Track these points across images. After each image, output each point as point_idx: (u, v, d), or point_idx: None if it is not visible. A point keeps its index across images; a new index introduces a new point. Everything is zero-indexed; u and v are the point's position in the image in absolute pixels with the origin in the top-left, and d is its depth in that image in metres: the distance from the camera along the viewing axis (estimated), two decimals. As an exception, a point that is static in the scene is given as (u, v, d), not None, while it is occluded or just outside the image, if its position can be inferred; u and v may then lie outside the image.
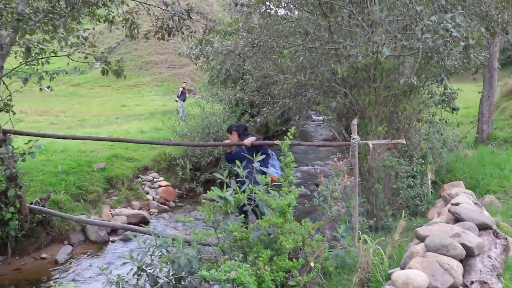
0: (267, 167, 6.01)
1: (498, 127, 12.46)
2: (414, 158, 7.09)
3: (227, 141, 6.56)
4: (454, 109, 9.97)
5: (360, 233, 4.96)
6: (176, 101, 20.21)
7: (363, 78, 6.57)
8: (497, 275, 3.58)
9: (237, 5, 8.46)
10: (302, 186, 5.91)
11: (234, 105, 14.21)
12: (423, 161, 7.33)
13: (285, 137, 4.38)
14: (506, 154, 9.41)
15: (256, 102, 12.24)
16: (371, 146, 5.51)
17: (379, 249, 4.68)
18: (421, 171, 7.17)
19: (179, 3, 9.05)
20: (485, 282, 3.33)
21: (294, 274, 4.27)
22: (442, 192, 5.88)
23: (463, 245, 3.70)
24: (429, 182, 7.32)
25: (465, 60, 5.92)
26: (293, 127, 4.86)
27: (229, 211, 4.48)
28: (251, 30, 9.46)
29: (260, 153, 4.92)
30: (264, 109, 9.98)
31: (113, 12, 9.05)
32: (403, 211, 5.55)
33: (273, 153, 6.39)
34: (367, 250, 4.44)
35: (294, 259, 4.36)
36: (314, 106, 9.05)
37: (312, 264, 4.33)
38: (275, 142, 4.68)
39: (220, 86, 14.97)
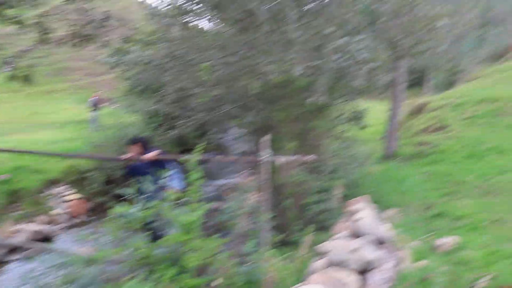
0: (171, 181, 5.88)
1: (404, 143, 13.23)
2: (323, 174, 7.35)
3: (128, 155, 6.18)
4: (363, 127, 10.49)
5: (268, 248, 5.03)
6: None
7: (277, 94, 6.72)
8: (390, 286, 3.79)
9: (157, 15, 8.38)
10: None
11: (151, 116, 13.96)
12: (333, 177, 7.62)
13: (193, 151, 4.37)
14: (409, 169, 10.03)
15: (173, 115, 12.09)
16: (281, 162, 5.62)
17: (285, 264, 4.78)
18: (330, 186, 7.43)
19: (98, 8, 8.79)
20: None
21: (205, 292, 4.24)
22: (347, 207, 6.14)
23: (361, 259, 3.87)
24: (338, 197, 7.60)
25: (370, 81, 6.26)
26: (205, 142, 4.85)
27: (135, 228, 4.37)
28: (170, 41, 9.35)
29: (162, 167, 4.85)
30: (180, 122, 9.88)
31: (23, 14, 8.57)
32: (311, 226, 5.71)
33: (178, 165, 6.25)
34: (273, 266, 4.52)
35: (201, 276, 4.33)
36: (230, 120, 9.10)
37: (218, 282, 4.32)
38: (183, 156, 4.64)
39: (138, 96, 14.65)
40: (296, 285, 3.98)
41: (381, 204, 7.74)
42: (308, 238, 5.61)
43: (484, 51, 21.43)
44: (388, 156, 12.04)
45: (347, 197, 8.07)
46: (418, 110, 16.69)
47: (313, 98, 5.62)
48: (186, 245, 4.18)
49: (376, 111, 13.57)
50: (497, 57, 20.71)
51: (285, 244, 6.72)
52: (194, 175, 4.21)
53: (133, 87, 14.68)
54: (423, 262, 5.10)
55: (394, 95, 11.99)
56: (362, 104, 9.64)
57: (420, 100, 17.65)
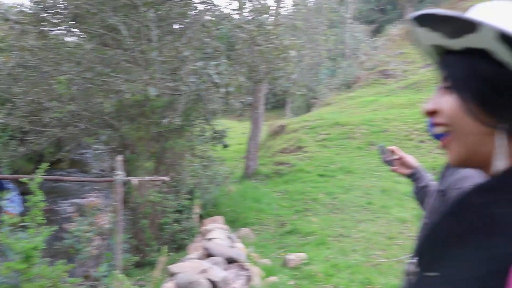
0: (10, 203, 5.42)
1: (263, 163, 13.81)
2: (180, 194, 7.36)
3: None
4: (225, 146, 10.74)
5: (122, 271, 4.88)
6: None
7: (134, 113, 6.61)
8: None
9: (7, 20, 7.75)
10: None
11: (0, 130, 12.72)
12: (190, 196, 7.67)
13: (36, 172, 4.08)
14: (265, 188, 10.48)
15: (24, 129, 11.19)
16: (135, 182, 5.52)
17: (139, 286, 4.68)
18: (188, 206, 7.47)
19: None
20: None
21: (40, 323, 3.94)
22: (202, 227, 6.22)
23: (209, 280, 3.93)
24: (196, 216, 7.67)
25: (227, 104, 6.46)
26: (66, 159, 4.54)
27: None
28: (22, 49, 8.68)
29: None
30: (31, 138, 9.18)
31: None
32: (166, 246, 5.67)
33: (14, 187, 5.78)
34: (122, 289, 4.39)
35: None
36: (86, 137, 8.68)
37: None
38: (23, 176, 4.30)
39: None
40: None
41: (237, 222, 7.98)
42: (162, 259, 5.56)
43: (337, 79, 23.49)
44: (248, 175, 12.46)
45: (205, 216, 8.19)
46: (278, 132, 17.58)
47: (168, 119, 5.61)
48: (25, 273, 3.86)
49: (238, 131, 14.01)
50: (348, 85, 22.80)
51: (142, 265, 6.59)
52: (36, 197, 3.93)
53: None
54: (273, 278, 5.35)
55: (254, 117, 12.50)
56: (223, 124, 9.88)
57: (280, 122, 18.60)
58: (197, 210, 7.74)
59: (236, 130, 13.71)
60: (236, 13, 6.70)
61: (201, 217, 8.12)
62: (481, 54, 0.74)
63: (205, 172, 8.94)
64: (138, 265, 6.57)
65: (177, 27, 7.12)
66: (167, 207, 6.92)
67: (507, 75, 0.72)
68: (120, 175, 5.29)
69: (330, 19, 16.81)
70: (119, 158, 5.38)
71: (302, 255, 6.27)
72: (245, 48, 6.93)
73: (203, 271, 4.03)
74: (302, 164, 12.53)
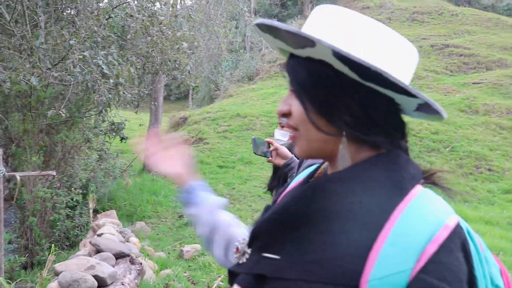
0: None
1: (164, 155, 13.64)
2: (73, 188, 7.06)
3: None
4: (123, 138, 10.46)
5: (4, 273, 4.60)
6: None
7: (17, 104, 6.21)
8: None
9: None
10: None
11: None
12: (84, 191, 7.38)
13: None
14: (164, 181, 10.38)
15: None
16: (18, 178, 5.21)
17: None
18: (82, 201, 7.19)
19: None
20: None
21: None
22: (93, 223, 6.04)
23: (96, 276, 3.85)
24: (91, 211, 7.40)
25: (117, 95, 6.28)
26: None
27: None
28: None
29: None
30: None
31: None
32: (54, 244, 5.43)
33: None
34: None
35: None
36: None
37: None
38: None
39: None
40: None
41: (134, 216, 7.85)
42: (51, 257, 5.31)
43: (238, 72, 23.78)
44: (148, 168, 12.24)
45: (100, 211, 7.94)
46: (180, 123, 17.46)
47: (54, 111, 5.35)
48: None
49: (137, 123, 13.68)
50: (250, 78, 23.16)
51: (31, 266, 6.25)
52: None
53: None
54: (167, 271, 5.35)
55: (153, 109, 12.29)
56: (121, 116, 9.61)
57: (182, 113, 18.48)
58: (91, 205, 7.47)
59: (135, 122, 13.35)
60: (128, 1, 6.50)
61: (96, 212, 7.87)
62: (323, 63, 0.78)
63: (101, 166, 8.65)
64: (27, 266, 6.23)
65: (66, 13, 6.77)
66: (58, 203, 6.60)
67: (345, 82, 0.78)
68: (1, 170, 4.96)
69: (229, 12, 16.90)
70: (0, 151, 5.04)
71: (198, 246, 6.33)
72: (139, 38, 6.78)
73: (90, 267, 3.93)
74: (202, 155, 12.59)
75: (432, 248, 0.71)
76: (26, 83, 5.16)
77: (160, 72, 8.63)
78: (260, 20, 0.82)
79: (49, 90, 6.08)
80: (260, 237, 0.87)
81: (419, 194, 0.78)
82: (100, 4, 7.05)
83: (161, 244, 6.54)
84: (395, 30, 0.80)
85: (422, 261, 0.70)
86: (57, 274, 4.08)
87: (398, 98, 0.79)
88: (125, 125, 10.07)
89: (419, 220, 0.73)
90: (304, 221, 0.80)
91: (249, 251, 0.87)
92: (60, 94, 6.54)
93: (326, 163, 0.94)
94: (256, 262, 0.84)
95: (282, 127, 2.65)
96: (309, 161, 1.87)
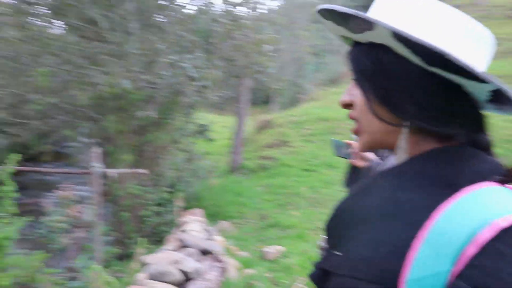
0: None
1: (248, 157, 13.87)
2: (162, 187, 7.39)
3: None
4: (209, 140, 10.79)
5: (101, 263, 4.90)
6: None
7: (112, 106, 6.61)
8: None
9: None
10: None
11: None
12: (172, 190, 7.69)
13: (5, 166, 4.08)
14: (249, 182, 10.54)
15: (6, 121, 11.12)
16: (116, 175, 5.54)
17: (116, 278, 4.69)
18: (169, 199, 7.49)
19: None
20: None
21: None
22: (179, 220, 6.25)
23: (181, 270, 3.97)
24: (177, 209, 7.69)
25: (202, 97, 6.48)
26: (16, 155, 4.45)
27: None
28: (2, 41, 8.61)
29: None
30: (10, 129, 9.15)
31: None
32: (143, 239, 5.70)
33: None
34: (102, 281, 4.41)
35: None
36: (67, 130, 8.63)
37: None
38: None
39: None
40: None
41: (219, 216, 8.03)
42: (140, 250, 5.58)
43: (322, 75, 23.59)
44: (233, 170, 12.51)
45: (186, 209, 8.23)
46: (264, 126, 17.64)
47: (144, 112, 5.62)
48: (-3, 263, 3.88)
49: (223, 125, 14.02)
50: (333, 81, 22.91)
51: (124, 258, 6.61)
52: (7, 187, 3.94)
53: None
54: (250, 271, 5.40)
55: (239, 111, 12.54)
56: (207, 118, 9.92)
57: (267, 116, 18.66)
58: (179, 203, 7.77)
59: (220, 124, 13.70)
60: (212, 7, 6.69)
61: (183, 210, 8.16)
62: (384, 48, 0.75)
63: (188, 166, 8.96)
64: (120, 257, 6.59)
65: (156, 20, 7.12)
66: (148, 200, 6.94)
67: (408, 67, 0.74)
68: (97, 167, 5.30)
69: (313, 15, 16.84)
70: (96, 150, 5.39)
71: (281, 248, 6.33)
72: (222, 42, 6.95)
73: (176, 262, 4.07)
74: (286, 158, 12.61)
75: (471, 250, 0.62)
76: (117, 86, 5.47)
77: (244, 75, 8.78)
78: (321, 5, 0.80)
79: (141, 93, 6.41)
80: (329, 234, 0.87)
81: (477, 190, 0.69)
82: (186, 11, 7.33)
83: (244, 244, 6.62)
84: (491, 29, 0.74)
85: (460, 265, 0.62)
86: (145, 265, 4.26)
87: (468, 84, 0.72)
88: (210, 127, 10.36)
89: (460, 217, 0.65)
90: (357, 218, 0.79)
91: (325, 247, 0.87)
92: (150, 97, 6.88)
93: None
94: (325, 258, 0.84)
95: None
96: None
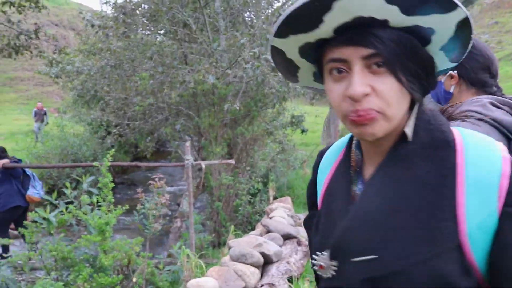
0: (27, 188, 6.17)
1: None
2: (254, 177, 7.68)
3: None
4: (303, 131, 10.90)
5: (189, 249, 5.27)
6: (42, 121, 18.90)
7: (203, 102, 7.01)
8: (287, 277, 4.11)
9: (93, 26, 8.49)
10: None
11: (97, 126, 13.99)
12: (265, 180, 7.96)
13: (104, 159, 4.57)
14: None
15: (115, 123, 12.23)
16: (203, 166, 5.89)
17: (207, 263, 5.04)
18: (262, 188, 7.77)
19: (25, 22, 8.85)
20: (273, 285, 3.81)
21: (117, 290, 4.45)
22: (267, 207, 6.47)
23: (263, 253, 4.18)
24: (271, 198, 7.95)
25: (287, 87, 6.61)
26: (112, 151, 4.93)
27: (52, 232, 4.55)
28: (110, 51, 9.48)
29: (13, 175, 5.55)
30: (115, 130, 10.06)
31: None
32: (232, 226, 6.00)
33: (33, 174, 6.48)
34: (190, 264, 4.77)
35: (118, 275, 4.54)
36: (164, 127, 9.30)
37: (134, 280, 4.54)
38: (94, 164, 4.82)
39: (84, 106, 14.65)
40: (194, 279, 4.24)
41: (310, 204, 8.15)
42: (230, 237, 5.89)
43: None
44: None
45: (277, 198, 8.46)
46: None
47: (231, 105, 5.91)
48: (101, 245, 4.38)
49: (315, 115, 14.03)
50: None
51: (218, 245, 7.01)
52: (105, 180, 4.42)
53: (78, 97, 14.69)
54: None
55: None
56: (302, 109, 10.05)
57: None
58: (271, 192, 8.01)
59: (313, 114, 13.71)
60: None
61: (276, 199, 8.40)
62: (409, 31, 0.77)
63: (281, 157, 9.17)
64: (214, 245, 6.99)
65: (242, 17, 7.39)
66: (240, 190, 7.26)
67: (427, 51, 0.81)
68: (189, 159, 5.69)
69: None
70: (188, 143, 5.78)
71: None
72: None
73: (258, 245, 4.28)
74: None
75: (504, 183, 0.75)
76: (206, 81, 5.81)
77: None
78: None
79: (229, 87, 6.72)
80: (347, 246, 0.85)
81: (464, 133, 0.84)
82: (272, 6, 7.51)
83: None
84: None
85: (502, 197, 0.75)
86: (230, 249, 4.53)
87: (439, 27, 0.77)
88: (304, 118, 10.45)
89: (481, 162, 0.78)
90: (394, 211, 0.80)
91: (334, 263, 0.87)
92: (237, 91, 7.19)
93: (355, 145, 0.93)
94: (355, 270, 0.83)
95: None
96: None
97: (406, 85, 0.78)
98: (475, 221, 0.76)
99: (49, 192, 11.10)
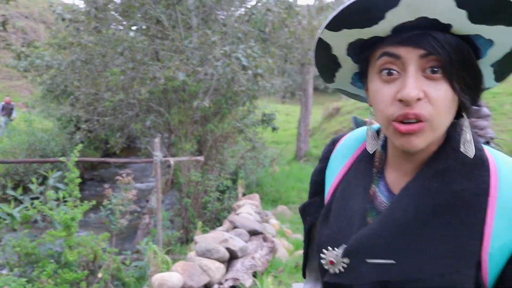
0: None
1: (315, 145, 13.95)
2: (224, 174, 7.73)
3: None
4: (274, 129, 10.99)
5: (156, 245, 5.28)
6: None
7: (172, 99, 7.02)
8: (252, 272, 4.19)
9: (64, 20, 8.38)
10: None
11: (66, 121, 13.77)
12: (235, 177, 8.02)
13: (71, 154, 4.55)
14: (312, 169, 10.63)
15: (84, 119, 12.05)
16: (172, 162, 5.92)
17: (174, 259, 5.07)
18: (231, 186, 7.83)
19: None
20: (237, 279, 3.88)
21: (82, 286, 4.43)
22: (234, 204, 6.54)
23: (228, 249, 4.24)
24: (240, 195, 8.01)
25: (257, 86, 6.69)
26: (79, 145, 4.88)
27: (15, 228, 4.51)
28: (79, 46, 9.35)
29: None
30: (84, 126, 9.96)
31: None
32: (200, 222, 6.04)
33: None
34: (156, 260, 4.80)
35: (83, 271, 4.53)
36: (134, 123, 9.24)
37: (100, 275, 4.54)
38: (61, 159, 4.80)
39: (53, 101, 14.40)
40: (158, 274, 4.27)
41: (279, 201, 8.25)
42: (197, 232, 5.93)
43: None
44: (299, 157, 12.66)
45: (247, 195, 8.53)
46: (333, 114, 17.58)
47: (201, 102, 5.95)
48: (67, 241, 4.36)
49: (293, 114, 14.15)
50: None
51: (186, 241, 7.04)
52: (72, 175, 4.41)
53: (47, 92, 14.42)
54: (301, 252, 5.58)
55: (304, 100, 12.63)
56: (274, 107, 10.13)
57: (335, 104, 18.55)
58: (240, 189, 8.07)
59: (289, 113, 13.82)
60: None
61: (245, 195, 8.47)
62: (466, 39, 0.75)
63: (251, 154, 9.25)
64: (183, 241, 7.02)
65: (215, 14, 7.43)
66: (209, 186, 7.30)
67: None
68: (158, 155, 5.70)
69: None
70: (157, 140, 5.79)
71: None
72: (278, 30, 7.11)
73: (224, 241, 4.34)
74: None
75: None
76: (176, 78, 5.83)
77: (305, 62, 8.88)
78: None
79: (199, 84, 6.75)
80: (366, 248, 0.84)
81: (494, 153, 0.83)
82: (245, 4, 7.56)
83: (300, 227, 6.79)
84: None
85: None
86: (195, 244, 4.57)
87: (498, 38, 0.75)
88: (275, 116, 10.55)
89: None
90: (424, 223, 0.80)
91: (346, 260, 0.86)
92: (207, 88, 7.22)
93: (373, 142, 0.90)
94: (368, 271, 0.83)
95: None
96: None
97: (459, 94, 0.75)
98: (499, 243, 0.76)
99: (14, 188, 10.89)
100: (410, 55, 0.73)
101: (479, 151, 0.81)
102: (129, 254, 5.41)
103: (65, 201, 4.60)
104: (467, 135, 0.78)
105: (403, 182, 0.85)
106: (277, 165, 10.54)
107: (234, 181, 8.07)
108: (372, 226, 0.85)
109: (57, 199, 4.63)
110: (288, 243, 5.69)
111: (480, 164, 0.80)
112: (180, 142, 7.15)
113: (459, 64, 0.73)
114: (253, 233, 4.89)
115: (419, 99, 0.72)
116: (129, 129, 9.65)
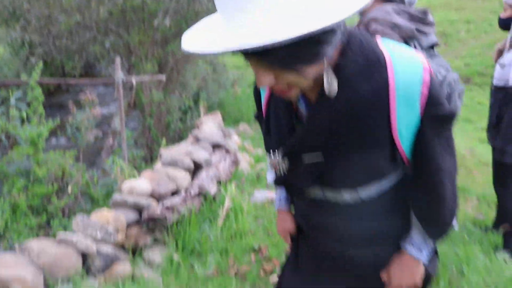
0: None
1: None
2: (186, 95, 7.84)
3: None
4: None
5: (121, 160, 5.45)
6: None
7: (133, 19, 6.92)
8: (217, 181, 4.48)
9: None
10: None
11: (19, 46, 13.24)
12: (197, 98, 8.15)
13: (33, 72, 4.56)
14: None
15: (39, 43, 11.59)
16: (134, 82, 5.98)
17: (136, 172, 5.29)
18: (192, 106, 7.97)
19: None
20: (203, 187, 4.15)
21: (53, 200, 4.63)
22: (197, 121, 6.73)
23: (193, 160, 4.48)
24: (202, 115, 8.18)
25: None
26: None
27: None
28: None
29: None
30: (40, 50, 9.67)
31: None
32: (164, 139, 6.23)
33: None
34: (123, 175, 5.00)
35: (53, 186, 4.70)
36: (93, 46, 9.02)
37: (69, 190, 4.73)
38: (22, 78, 4.81)
39: (2, 25, 13.71)
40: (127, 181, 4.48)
41: (241, 121, 8.49)
42: (161, 149, 6.13)
43: None
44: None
45: (210, 113, 8.72)
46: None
47: (161, 22, 5.91)
48: (34, 158, 4.49)
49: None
50: None
51: (151, 160, 7.24)
52: (34, 92, 4.45)
53: (-5, 15, 13.69)
54: (261, 165, 5.91)
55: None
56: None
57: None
58: (202, 110, 8.23)
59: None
60: None
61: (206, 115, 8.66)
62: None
63: (213, 76, 9.32)
64: (147, 160, 7.22)
65: None
66: (171, 107, 7.41)
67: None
68: (118, 76, 5.74)
69: None
70: (117, 60, 5.79)
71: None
72: None
73: (188, 153, 4.55)
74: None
75: (425, 90, 0.99)
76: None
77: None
78: None
79: (159, 4, 6.64)
80: (297, 147, 1.09)
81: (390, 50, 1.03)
82: None
83: (260, 143, 7.08)
84: None
85: (423, 103, 0.99)
86: (162, 157, 4.78)
87: None
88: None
89: (410, 72, 0.99)
90: (338, 120, 1.02)
91: (286, 162, 1.12)
92: (167, 7, 7.10)
93: None
94: (305, 170, 1.11)
95: None
96: None
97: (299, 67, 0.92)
98: (404, 123, 1.00)
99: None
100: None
101: (375, 54, 0.99)
102: (95, 173, 5.57)
103: (29, 121, 4.68)
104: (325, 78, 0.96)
105: (317, 94, 1.05)
106: (239, 87, 10.67)
107: (196, 102, 8.20)
108: (298, 131, 1.08)
109: (21, 119, 4.69)
110: (249, 157, 5.99)
111: (378, 64, 0.98)
112: (141, 63, 7.15)
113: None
114: (216, 145, 5.13)
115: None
116: (87, 53, 9.44)
